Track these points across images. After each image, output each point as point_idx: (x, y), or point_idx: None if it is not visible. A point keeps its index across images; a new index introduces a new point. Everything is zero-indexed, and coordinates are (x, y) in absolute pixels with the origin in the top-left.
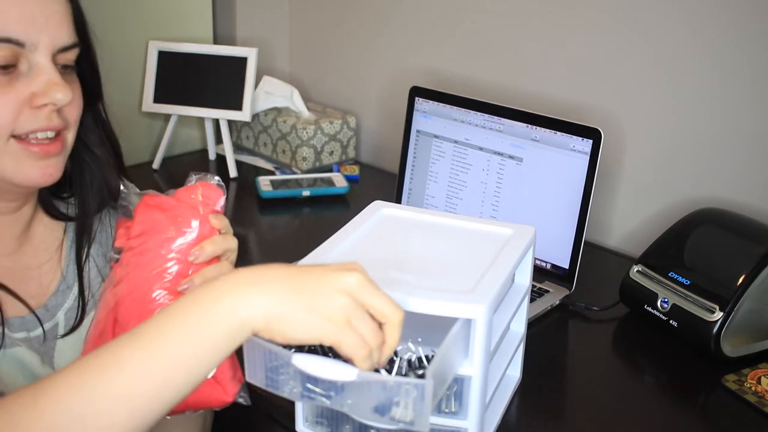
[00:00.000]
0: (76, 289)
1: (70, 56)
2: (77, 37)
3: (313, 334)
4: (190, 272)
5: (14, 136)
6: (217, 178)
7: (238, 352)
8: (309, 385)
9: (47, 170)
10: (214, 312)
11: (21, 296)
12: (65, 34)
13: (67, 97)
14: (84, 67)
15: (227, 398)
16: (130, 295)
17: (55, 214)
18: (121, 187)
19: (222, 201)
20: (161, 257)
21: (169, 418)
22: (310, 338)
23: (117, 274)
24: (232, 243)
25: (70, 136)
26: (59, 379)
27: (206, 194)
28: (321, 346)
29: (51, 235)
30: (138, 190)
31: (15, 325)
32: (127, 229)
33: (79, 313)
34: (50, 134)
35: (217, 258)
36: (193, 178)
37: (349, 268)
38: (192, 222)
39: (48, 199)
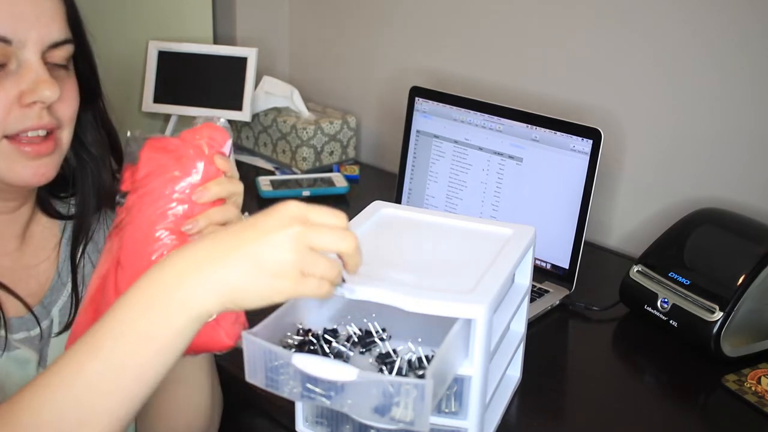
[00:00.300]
0: (69, 287)
1: (63, 53)
2: (71, 33)
3: (272, 298)
4: (195, 213)
5: (6, 137)
6: (223, 120)
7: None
8: (309, 385)
9: (39, 170)
10: (165, 312)
11: (21, 295)
12: (56, 31)
13: (54, 94)
14: (80, 65)
15: (228, 342)
16: (133, 236)
17: (53, 214)
18: (128, 134)
19: (229, 144)
20: (165, 197)
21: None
22: (269, 302)
23: (121, 219)
24: (238, 187)
25: (65, 135)
26: (24, 397)
27: (212, 136)
28: (321, 346)
29: (49, 234)
30: (145, 136)
31: (15, 326)
32: (133, 173)
33: (73, 310)
34: (41, 133)
35: (222, 201)
36: (200, 120)
37: (285, 220)
38: (197, 163)
39: (46, 198)
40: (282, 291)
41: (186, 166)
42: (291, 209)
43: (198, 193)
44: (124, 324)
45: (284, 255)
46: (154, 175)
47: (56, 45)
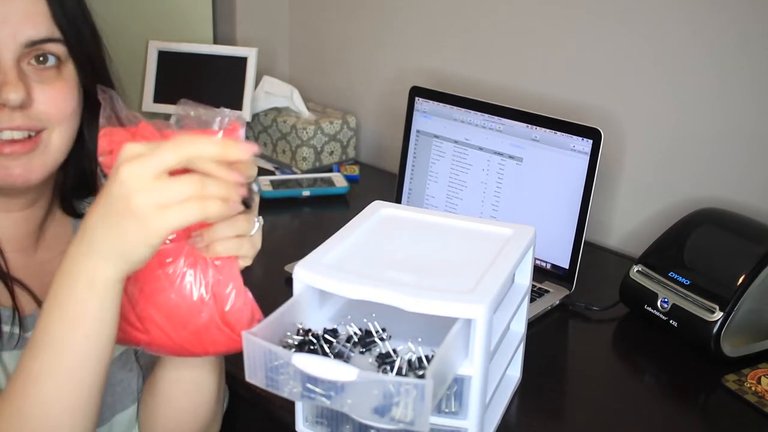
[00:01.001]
0: None
1: (48, 50)
2: (59, 32)
3: (151, 242)
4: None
5: None
6: (230, 113)
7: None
8: (309, 385)
9: (13, 171)
10: (76, 296)
11: (35, 292)
12: (32, 28)
13: (18, 97)
14: (79, 66)
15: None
16: None
17: (75, 214)
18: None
19: (241, 138)
20: None
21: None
22: (154, 246)
23: None
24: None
25: (55, 137)
26: None
27: None
28: (321, 346)
29: (67, 232)
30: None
31: (29, 325)
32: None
33: None
34: (16, 135)
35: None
36: (214, 119)
37: (116, 166)
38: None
39: (70, 199)
40: (155, 232)
41: None
42: (120, 155)
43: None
44: (52, 320)
45: (129, 201)
46: None
47: (34, 44)
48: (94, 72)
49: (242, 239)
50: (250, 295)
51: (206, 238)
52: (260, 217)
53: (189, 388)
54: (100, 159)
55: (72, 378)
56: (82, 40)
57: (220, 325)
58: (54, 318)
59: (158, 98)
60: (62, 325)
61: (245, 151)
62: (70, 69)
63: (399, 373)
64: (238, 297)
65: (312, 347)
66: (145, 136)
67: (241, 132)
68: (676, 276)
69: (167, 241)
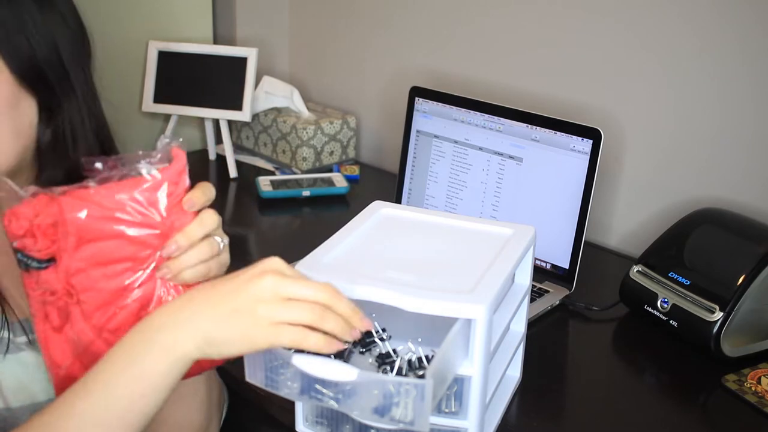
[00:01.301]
0: None
1: None
2: None
3: (246, 348)
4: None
5: None
6: (167, 141)
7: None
8: (317, 386)
9: None
10: (150, 357)
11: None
12: None
13: None
14: (8, 61)
15: None
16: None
17: None
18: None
19: (184, 167)
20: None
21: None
22: (246, 351)
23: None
24: (211, 223)
25: None
26: None
27: (169, 179)
28: None
29: None
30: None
31: (18, 330)
32: (50, 238)
33: None
34: None
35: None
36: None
37: (261, 272)
38: (152, 240)
39: None
40: (255, 341)
41: (141, 251)
42: (268, 263)
43: (168, 248)
44: (110, 367)
45: (254, 305)
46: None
47: None
48: (37, 77)
49: (209, 262)
50: None
51: (173, 268)
52: (225, 236)
53: (178, 397)
54: (15, 245)
55: (113, 427)
56: (8, 31)
57: None
58: (117, 367)
59: (158, 98)
60: (122, 378)
61: (365, 325)
62: None
63: (399, 373)
64: None
65: None
66: (44, 206)
67: (184, 165)
68: (676, 276)
69: (136, 286)
